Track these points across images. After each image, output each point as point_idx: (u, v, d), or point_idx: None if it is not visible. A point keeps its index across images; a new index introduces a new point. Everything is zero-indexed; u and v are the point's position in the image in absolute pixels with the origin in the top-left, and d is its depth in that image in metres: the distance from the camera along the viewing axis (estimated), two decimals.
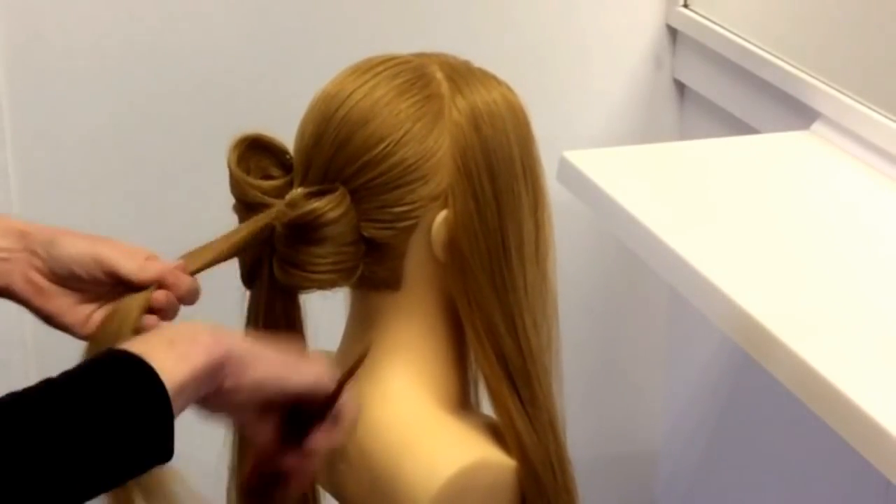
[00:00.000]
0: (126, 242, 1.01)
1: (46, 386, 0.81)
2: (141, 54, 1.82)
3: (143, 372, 0.81)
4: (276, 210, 1.05)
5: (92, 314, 1.01)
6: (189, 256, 1.03)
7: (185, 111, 1.85)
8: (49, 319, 1.02)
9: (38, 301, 1.01)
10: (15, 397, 0.80)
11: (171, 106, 1.84)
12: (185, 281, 1.00)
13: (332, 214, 1.03)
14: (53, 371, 1.94)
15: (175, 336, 0.85)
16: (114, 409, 0.80)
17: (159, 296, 0.99)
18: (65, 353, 1.97)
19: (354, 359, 0.98)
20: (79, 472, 0.79)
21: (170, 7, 1.81)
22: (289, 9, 1.86)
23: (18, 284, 1.01)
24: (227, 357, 0.87)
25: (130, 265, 0.99)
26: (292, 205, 1.04)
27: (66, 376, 0.82)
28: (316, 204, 1.03)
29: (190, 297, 1.01)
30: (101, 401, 0.80)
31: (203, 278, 1.04)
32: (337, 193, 1.04)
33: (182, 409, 0.84)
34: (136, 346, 0.84)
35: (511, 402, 1.09)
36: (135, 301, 0.99)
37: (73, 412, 0.79)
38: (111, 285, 1.00)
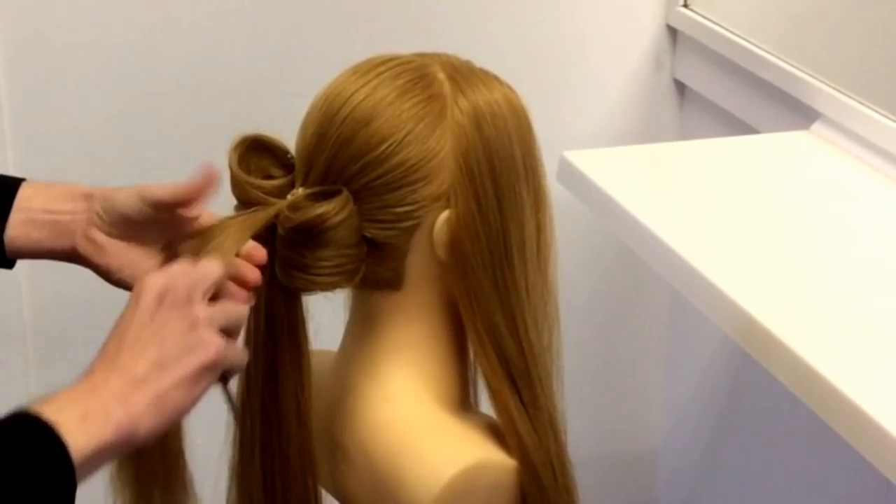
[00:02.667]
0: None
1: None
2: (141, 54, 1.81)
3: (52, 443, 0.85)
4: (277, 209, 1.05)
5: (149, 269, 1.04)
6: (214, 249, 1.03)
7: (186, 111, 1.84)
8: (108, 275, 1.10)
9: (98, 258, 1.10)
10: None
11: (171, 106, 1.84)
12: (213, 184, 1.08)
13: (337, 219, 1.03)
14: (52, 371, 1.94)
15: (89, 409, 0.88)
16: (21, 476, 0.83)
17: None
18: (63, 353, 1.97)
19: (356, 363, 0.96)
20: None
21: (170, 7, 1.81)
22: (290, 8, 1.86)
23: (80, 243, 1.10)
24: (133, 435, 0.90)
25: (164, 190, 1.07)
26: (295, 208, 1.03)
27: None
28: (322, 209, 1.02)
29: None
30: (8, 465, 0.83)
31: None
32: (341, 196, 1.03)
33: (87, 476, 0.88)
34: (49, 411, 0.86)
35: (512, 403, 1.09)
36: (235, 221, 1.04)
37: None
38: (162, 224, 1.09)
